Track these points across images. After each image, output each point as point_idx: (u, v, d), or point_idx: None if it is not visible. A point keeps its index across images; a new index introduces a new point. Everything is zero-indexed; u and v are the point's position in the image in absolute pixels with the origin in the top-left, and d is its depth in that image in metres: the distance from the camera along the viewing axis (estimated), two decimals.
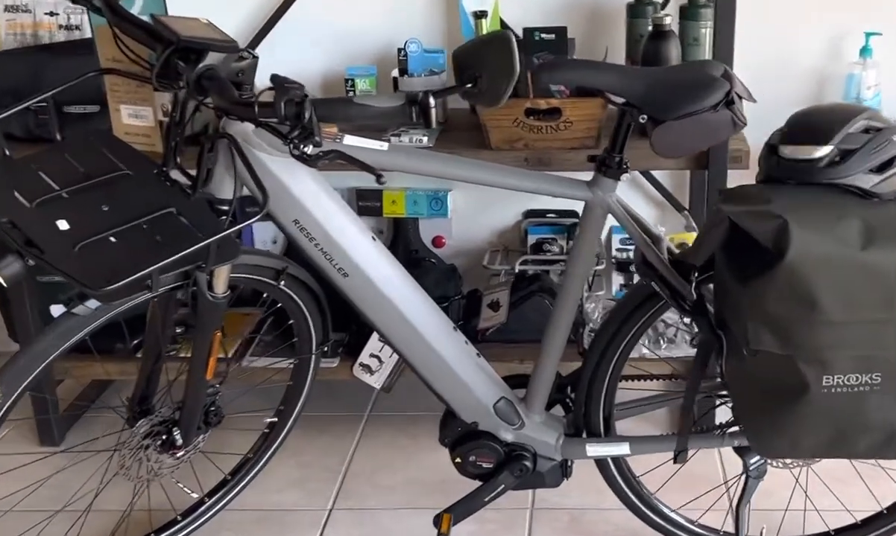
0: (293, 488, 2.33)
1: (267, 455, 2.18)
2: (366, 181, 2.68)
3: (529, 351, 2.43)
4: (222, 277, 1.71)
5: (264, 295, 1.93)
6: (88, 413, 2.60)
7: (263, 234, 2.73)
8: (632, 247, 2.69)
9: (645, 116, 1.61)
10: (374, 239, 1.75)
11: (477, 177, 1.71)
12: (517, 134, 2.22)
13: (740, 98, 1.62)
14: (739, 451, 1.85)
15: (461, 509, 1.91)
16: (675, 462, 1.80)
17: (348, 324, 2.47)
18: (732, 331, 1.57)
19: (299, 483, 2.35)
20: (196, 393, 1.84)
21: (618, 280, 2.70)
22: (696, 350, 1.68)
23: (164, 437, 1.89)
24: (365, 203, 2.63)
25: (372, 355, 2.42)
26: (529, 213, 2.73)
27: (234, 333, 2.49)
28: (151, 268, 1.40)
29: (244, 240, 2.62)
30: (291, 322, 2.02)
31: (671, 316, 2.52)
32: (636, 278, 2.70)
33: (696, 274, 1.62)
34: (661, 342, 2.46)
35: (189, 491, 2.04)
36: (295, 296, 1.94)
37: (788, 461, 1.89)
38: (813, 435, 1.52)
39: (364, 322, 2.39)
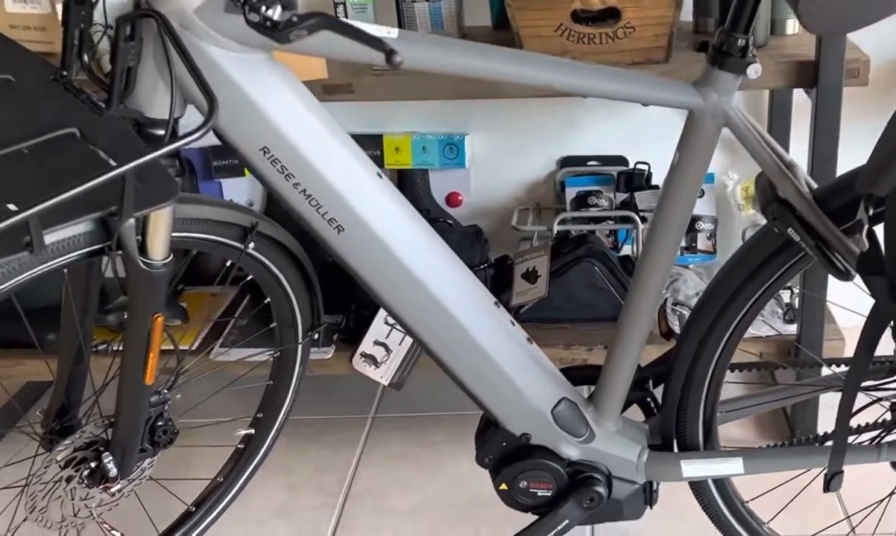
0: (279, 518, 1.80)
1: (242, 479, 1.64)
2: (359, 125, 2.18)
3: (578, 334, 1.92)
4: (160, 235, 1.16)
5: (228, 263, 1.38)
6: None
7: (236, 195, 2.19)
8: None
9: None
10: (380, 176, 1.22)
11: (528, 75, 1.16)
12: (561, 45, 1.68)
13: None
14: None
15: None
16: (826, 491, 1.26)
17: (346, 304, 1.95)
18: None
19: (287, 512, 1.81)
20: (133, 404, 1.30)
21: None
22: (864, 324, 1.14)
23: (92, 465, 1.35)
24: None
25: (377, 342, 1.88)
26: (566, 161, 2.21)
27: (199, 319, 1.97)
28: (25, 213, 0.86)
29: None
30: (268, 300, 1.48)
31: None
32: (700, 238, 2.20)
33: (869, 210, 1.08)
34: None
35: None
36: (271, 265, 1.40)
37: None
38: None
39: (368, 299, 1.93)
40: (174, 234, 1.24)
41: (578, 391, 1.40)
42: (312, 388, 2.12)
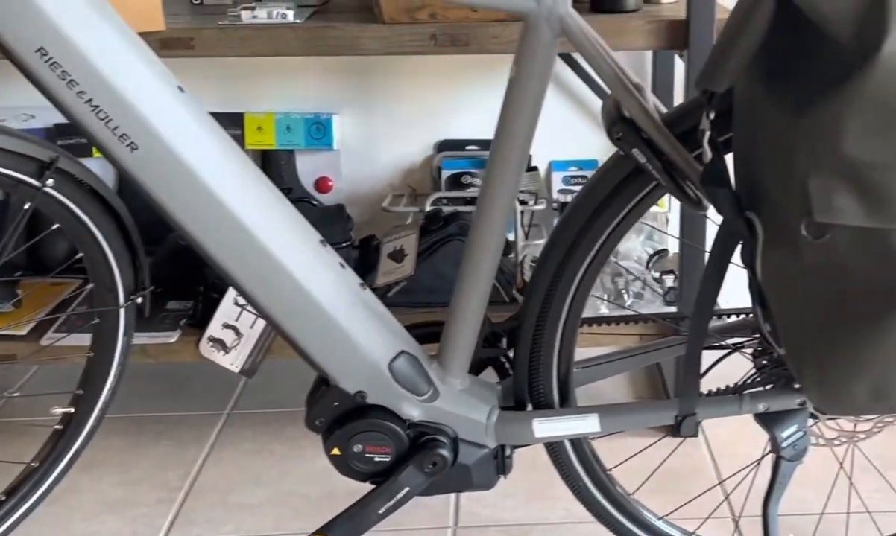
0: (110, 513, 1.62)
1: (61, 465, 1.45)
2: (219, 102, 2.02)
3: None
4: None
5: (27, 205, 1.22)
6: None
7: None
8: (579, 186, 2.09)
9: None
10: (180, 90, 1.08)
11: None
12: (419, 0, 1.58)
13: None
14: (766, 421, 1.21)
15: (344, 526, 1.24)
16: (675, 435, 1.15)
17: (193, 287, 1.80)
18: (775, 206, 0.94)
19: (120, 507, 1.64)
20: None
21: None
22: (711, 249, 1.04)
23: None
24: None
25: (226, 325, 1.72)
26: (444, 145, 2.11)
27: (36, 307, 1.81)
28: None
29: None
30: (80, 255, 1.33)
31: (636, 265, 1.91)
32: None
33: (710, 115, 0.97)
34: (626, 297, 1.83)
35: None
36: (75, 208, 1.25)
37: (834, 434, 1.26)
38: None
39: (219, 281, 1.78)
40: None
41: (423, 349, 1.27)
42: (162, 384, 1.98)
